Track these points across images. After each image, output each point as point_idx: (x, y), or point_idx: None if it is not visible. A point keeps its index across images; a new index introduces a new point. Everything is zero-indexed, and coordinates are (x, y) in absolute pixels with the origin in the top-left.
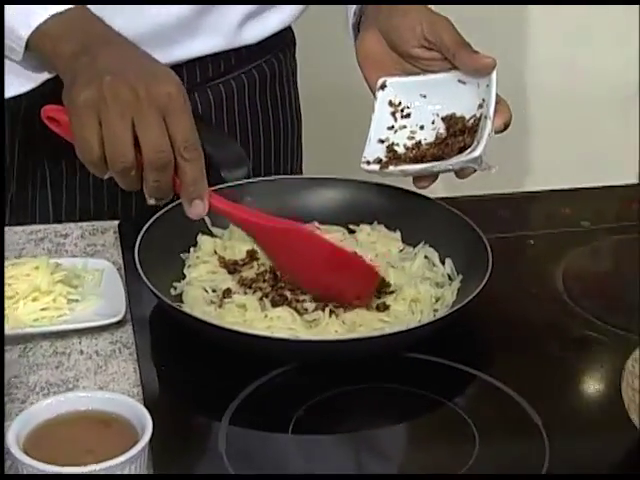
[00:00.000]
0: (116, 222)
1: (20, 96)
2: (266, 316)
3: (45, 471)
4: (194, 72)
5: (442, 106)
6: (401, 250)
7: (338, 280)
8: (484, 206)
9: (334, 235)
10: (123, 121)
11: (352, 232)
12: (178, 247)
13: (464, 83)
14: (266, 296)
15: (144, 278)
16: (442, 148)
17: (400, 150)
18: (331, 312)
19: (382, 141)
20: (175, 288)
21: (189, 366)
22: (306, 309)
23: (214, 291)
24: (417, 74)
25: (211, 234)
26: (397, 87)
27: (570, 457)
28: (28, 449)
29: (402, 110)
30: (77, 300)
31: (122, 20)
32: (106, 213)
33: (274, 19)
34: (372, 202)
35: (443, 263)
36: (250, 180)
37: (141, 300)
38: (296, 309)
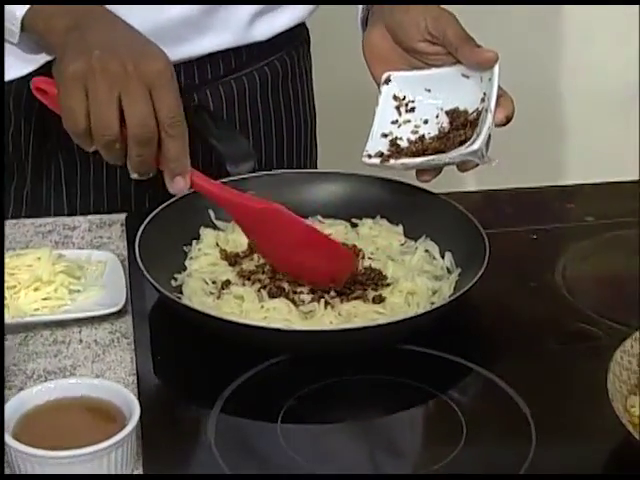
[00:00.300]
0: (124, 215)
1: (25, 80)
2: (262, 307)
3: (33, 454)
4: (205, 69)
5: (446, 100)
6: (402, 244)
7: (311, 260)
8: (488, 201)
9: (337, 229)
10: (110, 94)
11: (355, 226)
12: (181, 240)
13: (467, 77)
14: (264, 288)
15: (142, 269)
16: (444, 142)
17: (403, 144)
18: (327, 304)
19: (385, 135)
20: (176, 279)
21: (185, 356)
22: (303, 301)
23: (214, 283)
24: (422, 69)
25: (214, 227)
26: (401, 81)
27: (556, 448)
28: (18, 434)
29: (406, 104)
30: (79, 290)
31: (131, 18)
32: (120, 207)
33: (285, 16)
34: (375, 196)
35: (443, 257)
36: (253, 174)
37: (143, 292)
38: (293, 300)
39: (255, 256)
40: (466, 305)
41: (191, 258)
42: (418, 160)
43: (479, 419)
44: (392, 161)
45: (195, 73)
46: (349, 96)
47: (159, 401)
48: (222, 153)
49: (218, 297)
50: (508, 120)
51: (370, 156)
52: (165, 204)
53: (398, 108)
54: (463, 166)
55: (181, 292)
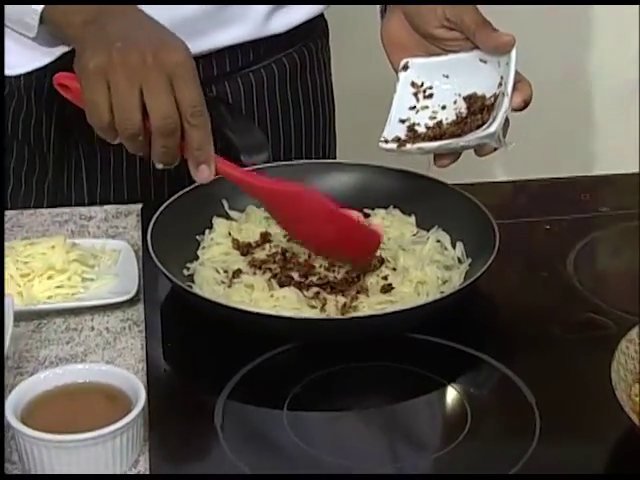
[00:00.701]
0: (140, 205)
1: (44, 71)
2: (272, 296)
3: (40, 438)
4: (223, 61)
5: (464, 85)
6: (415, 234)
7: (340, 240)
8: (502, 192)
9: None
10: (131, 87)
11: (367, 216)
12: (194, 229)
13: (485, 62)
14: (274, 277)
15: (154, 258)
16: (461, 127)
17: (421, 130)
18: (336, 292)
19: (403, 121)
20: (188, 269)
21: (195, 343)
22: (312, 289)
23: (225, 272)
24: (439, 55)
25: (227, 217)
26: (419, 68)
27: (560, 438)
28: (26, 418)
29: (424, 91)
30: (92, 279)
31: (147, 12)
32: (140, 197)
33: (303, 8)
34: (387, 186)
35: (454, 247)
36: (266, 165)
37: (156, 280)
38: (302, 289)
39: (267, 245)
40: (476, 295)
41: (203, 247)
42: (435, 144)
43: (484, 408)
44: (409, 146)
45: (213, 66)
46: (368, 88)
47: (168, 387)
48: (236, 144)
49: (229, 286)
50: (526, 104)
51: (387, 141)
52: (178, 194)
53: (416, 94)
54: (480, 151)
55: (193, 281)
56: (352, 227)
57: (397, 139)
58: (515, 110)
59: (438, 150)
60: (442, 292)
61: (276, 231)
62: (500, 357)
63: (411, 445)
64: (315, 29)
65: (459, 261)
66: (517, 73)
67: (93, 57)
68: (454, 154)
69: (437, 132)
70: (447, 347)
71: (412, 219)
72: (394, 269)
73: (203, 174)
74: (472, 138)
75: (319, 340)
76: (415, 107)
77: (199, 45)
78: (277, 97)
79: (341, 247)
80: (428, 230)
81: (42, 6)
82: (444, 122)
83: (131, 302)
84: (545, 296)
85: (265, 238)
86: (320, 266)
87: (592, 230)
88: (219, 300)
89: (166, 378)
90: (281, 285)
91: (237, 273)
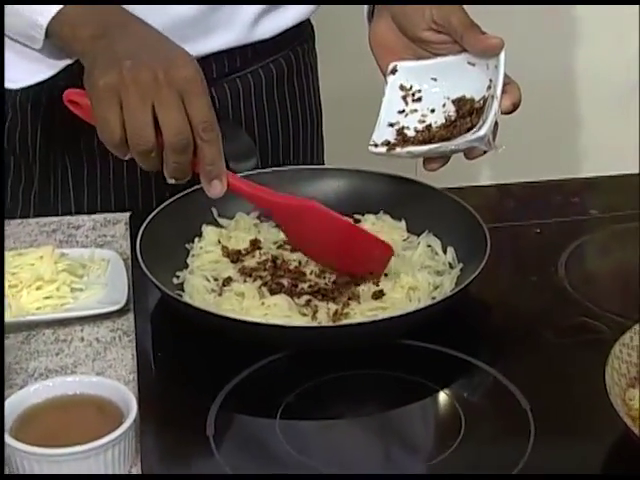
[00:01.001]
0: (128, 214)
1: (41, 85)
2: (263, 304)
3: (31, 452)
4: (210, 67)
5: (453, 88)
6: (405, 239)
7: (352, 254)
8: (492, 196)
9: None
10: (143, 104)
11: (357, 221)
12: (183, 237)
13: (473, 65)
14: (265, 284)
15: (144, 267)
16: (451, 130)
17: (410, 133)
18: (327, 299)
19: (392, 125)
20: (177, 277)
21: (185, 353)
22: (303, 297)
23: (215, 280)
24: (428, 58)
25: (217, 224)
26: (408, 71)
27: (554, 442)
28: (16, 432)
29: (413, 94)
30: (81, 289)
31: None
32: (127, 206)
33: (290, 13)
34: (377, 192)
35: (445, 252)
36: (254, 172)
37: (145, 290)
38: (293, 297)
39: (257, 253)
40: (467, 300)
41: (193, 255)
42: (424, 148)
43: (478, 414)
44: (398, 149)
45: None
46: (355, 91)
47: (159, 397)
48: (225, 150)
49: (219, 294)
50: (515, 107)
51: (376, 145)
52: (167, 202)
53: (405, 98)
54: (470, 154)
55: (183, 289)
56: (366, 241)
57: (387, 143)
58: (504, 113)
59: (428, 154)
60: (433, 298)
61: (266, 237)
62: (493, 362)
63: (406, 452)
64: (302, 34)
65: (450, 266)
66: (506, 76)
67: (104, 75)
68: (443, 158)
69: (426, 136)
70: (439, 353)
71: (402, 224)
72: (385, 275)
73: (216, 189)
74: (462, 142)
75: (311, 348)
76: (404, 111)
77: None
78: (264, 102)
79: (354, 262)
80: (418, 235)
81: (48, 19)
82: (433, 126)
83: (121, 312)
84: (536, 300)
85: (255, 245)
86: (311, 273)
87: (582, 233)
88: (209, 309)
89: (157, 389)
90: (272, 293)
91: (227, 281)
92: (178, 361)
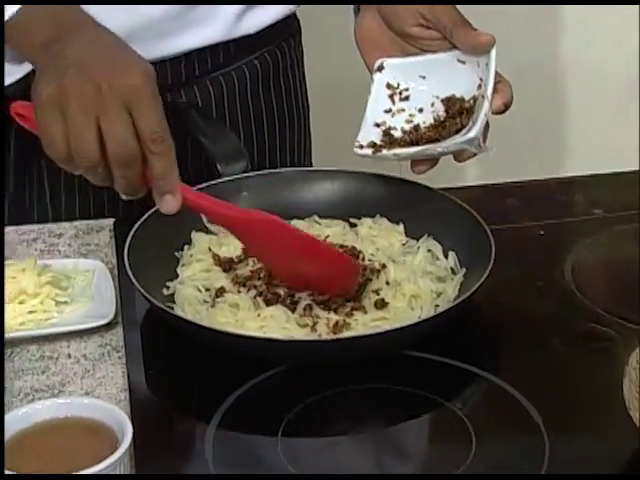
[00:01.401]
0: (112, 220)
1: (13, 86)
2: (259, 315)
3: None
4: (192, 65)
5: (442, 87)
6: (404, 244)
7: (319, 271)
8: (491, 196)
9: (335, 229)
10: (86, 117)
11: (353, 226)
12: (172, 245)
13: (463, 63)
14: (260, 295)
15: (132, 278)
16: (439, 131)
17: (397, 134)
18: (326, 309)
19: (378, 125)
20: (167, 288)
21: (179, 369)
22: (300, 307)
23: (207, 290)
24: (416, 55)
25: (206, 231)
26: (395, 69)
27: (570, 457)
28: (5, 459)
29: (400, 93)
30: (66, 302)
31: (111, 14)
32: (107, 211)
33: (274, 8)
34: (373, 194)
35: (447, 257)
36: (246, 174)
37: (133, 301)
38: (290, 307)
39: (250, 261)
40: (470, 306)
41: (183, 265)
42: (412, 150)
43: (489, 429)
44: (384, 151)
45: (182, 70)
46: (343, 87)
47: (153, 418)
48: (212, 152)
49: (212, 305)
50: (506, 107)
51: (362, 146)
52: (154, 208)
53: (392, 97)
54: (460, 156)
55: (173, 301)
56: (331, 256)
57: (372, 144)
58: (495, 113)
59: (415, 156)
60: (437, 305)
61: None
62: (500, 373)
63: (415, 471)
64: (287, 29)
65: (452, 272)
66: (497, 74)
67: (47, 86)
68: (432, 160)
69: (414, 137)
70: (444, 364)
71: (400, 228)
72: (387, 283)
73: (168, 205)
74: (451, 144)
75: (311, 362)
76: (391, 110)
77: (166, 48)
78: (249, 100)
79: (323, 279)
80: (418, 239)
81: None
82: (421, 126)
83: (108, 326)
84: (543, 307)
85: (247, 253)
86: None
87: (588, 234)
88: (203, 323)
89: (151, 408)
90: (268, 303)
91: (220, 291)
92: (171, 378)
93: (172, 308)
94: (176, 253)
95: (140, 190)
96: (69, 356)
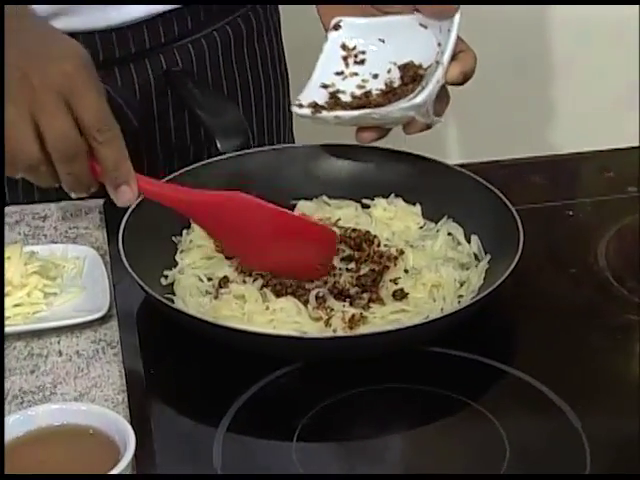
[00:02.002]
0: (101, 201)
1: None
2: (267, 308)
3: None
4: (157, 31)
5: (401, 52)
6: (421, 227)
7: (291, 248)
8: (514, 172)
9: (346, 211)
10: (19, 115)
11: (366, 207)
12: (169, 230)
13: (425, 27)
14: (267, 285)
15: (129, 268)
16: (390, 98)
17: (345, 98)
18: (341, 299)
19: (326, 86)
20: (166, 277)
21: (181, 368)
22: (312, 295)
23: (209, 279)
24: (376, 16)
25: None
26: (352, 28)
27: (612, 459)
28: None
29: (356, 56)
30: (55, 293)
31: None
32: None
33: None
34: (388, 172)
35: (469, 241)
36: (247, 151)
37: (128, 292)
38: (301, 299)
39: None
40: (496, 296)
41: (182, 251)
42: (354, 113)
43: (523, 434)
44: (325, 113)
45: (146, 37)
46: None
47: (155, 424)
48: (210, 126)
49: (216, 297)
50: (465, 78)
51: (302, 106)
52: None
53: (346, 59)
54: (408, 127)
55: (173, 291)
56: (304, 226)
57: (314, 104)
58: (452, 84)
59: (358, 120)
60: (460, 296)
61: None
62: (530, 370)
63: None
64: None
65: (475, 257)
66: (461, 42)
67: None
68: (379, 129)
69: (363, 103)
70: (469, 361)
71: (417, 209)
72: (406, 271)
73: (125, 196)
74: (395, 109)
75: (326, 359)
76: (342, 73)
77: (121, 15)
78: (221, 69)
79: (299, 255)
80: (436, 222)
81: None
82: (373, 92)
83: (102, 320)
84: (576, 296)
85: (222, 249)
86: None
87: (621, 215)
88: (206, 317)
89: (152, 412)
90: (277, 294)
91: (224, 281)
92: (173, 378)
93: (172, 300)
94: (174, 238)
95: (90, 185)
96: (60, 353)
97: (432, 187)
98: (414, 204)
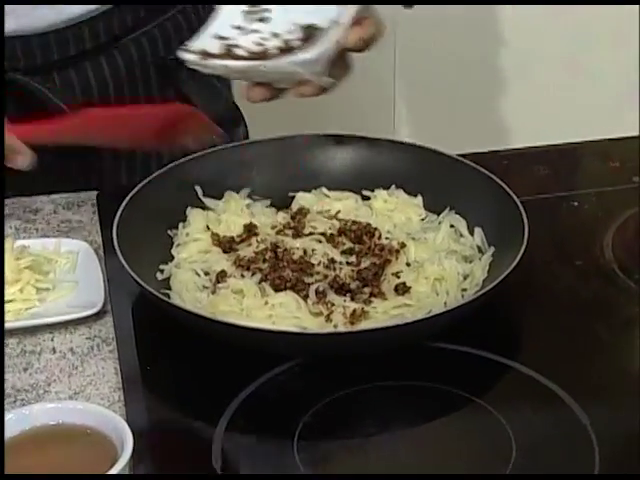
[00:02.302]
0: (94, 193)
1: None
2: (266, 303)
3: None
4: (95, 32)
5: (307, 14)
6: (423, 219)
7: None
8: (517, 162)
9: (345, 203)
10: None
11: (366, 199)
12: (165, 223)
13: None
14: (266, 279)
15: (123, 262)
16: (286, 56)
17: (240, 52)
18: (342, 293)
19: (221, 37)
20: (162, 272)
21: (178, 365)
22: (312, 290)
23: (207, 274)
24: None
25: (203, 206)
26: None
27: (623, 458)
28: None
29: (260, 12)
30: (48, 289)
31: None
32: (90, 185)
33: None
34: (388, 163)
35: (472, 233)
36: (245, 141)
37: (123, 287)
38: (301, 294)
39: (253, 240)
40: (501, 290)
41: (178, 245)
42: (242, 63)
43: (529, 431)
44: (213, 61)
45: (87, 36)
46: None
47: (152, 423)
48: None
49: (213, 292)
50: (365, 44)
51: (190, 52)
52: (145, 180)
53: (248, 14)
54: (298, 89)
55: (169, 286)
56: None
57: (204, 52)
58: (352, 50)
59: (247, 73)
60: (463, 289)
61: (262, 221)
62: (536, 365)
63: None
64: None
65: (479, 250)
66: (368, 9)
67: None
68: (270, 88)
69: (258, 58)
70: (473, 356)
71: (419, 200)
72: (408, 264)
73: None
74: (284, 62)
75: (327, 356)
76: (241, 27)
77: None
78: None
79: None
80: (438, 214)
81: None
82: (270, 50)
83: (97, 315)
84: (583, 289)
85: (250, 231)
86: (319, 263)
87: (627, 206)
88: (204, 312)
89: (149, 411)
90: (275, 289)
91: (221, 276)
92: (170, 376)
93: (168, 295)
94: (169, 232)
95: None
96: (54, 350)
97: (433, 178)
98: (415, 195)
